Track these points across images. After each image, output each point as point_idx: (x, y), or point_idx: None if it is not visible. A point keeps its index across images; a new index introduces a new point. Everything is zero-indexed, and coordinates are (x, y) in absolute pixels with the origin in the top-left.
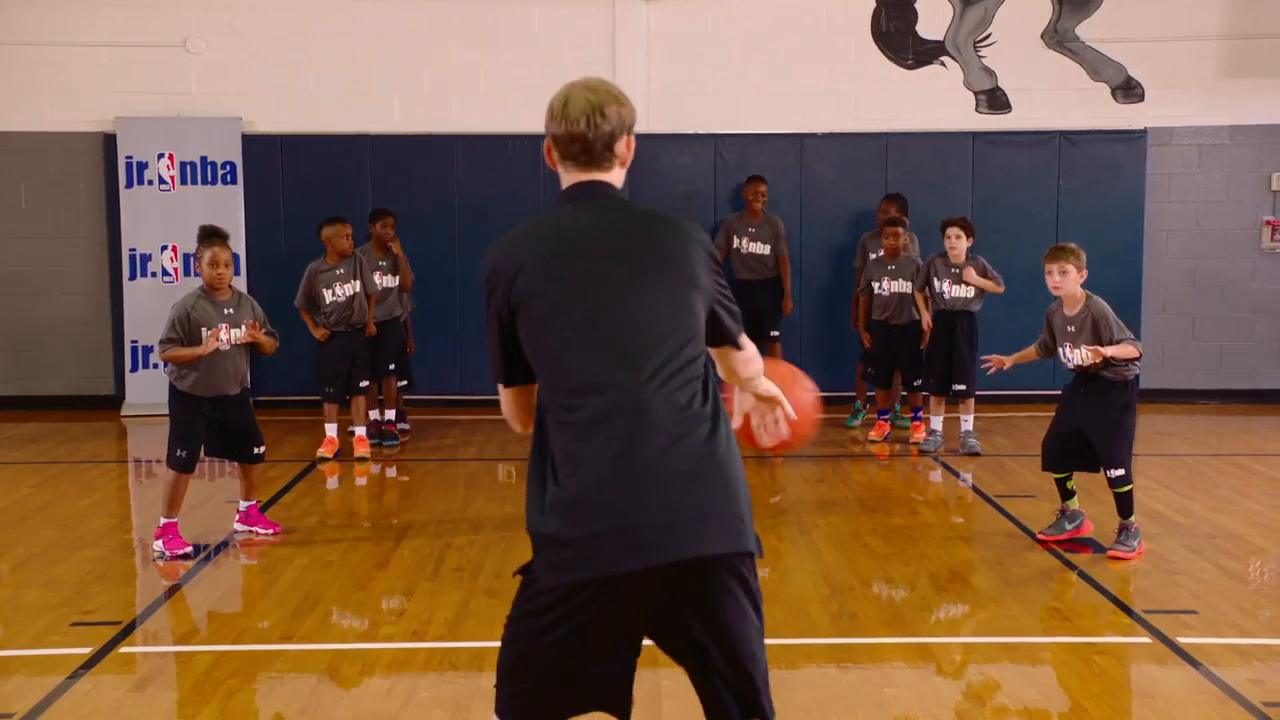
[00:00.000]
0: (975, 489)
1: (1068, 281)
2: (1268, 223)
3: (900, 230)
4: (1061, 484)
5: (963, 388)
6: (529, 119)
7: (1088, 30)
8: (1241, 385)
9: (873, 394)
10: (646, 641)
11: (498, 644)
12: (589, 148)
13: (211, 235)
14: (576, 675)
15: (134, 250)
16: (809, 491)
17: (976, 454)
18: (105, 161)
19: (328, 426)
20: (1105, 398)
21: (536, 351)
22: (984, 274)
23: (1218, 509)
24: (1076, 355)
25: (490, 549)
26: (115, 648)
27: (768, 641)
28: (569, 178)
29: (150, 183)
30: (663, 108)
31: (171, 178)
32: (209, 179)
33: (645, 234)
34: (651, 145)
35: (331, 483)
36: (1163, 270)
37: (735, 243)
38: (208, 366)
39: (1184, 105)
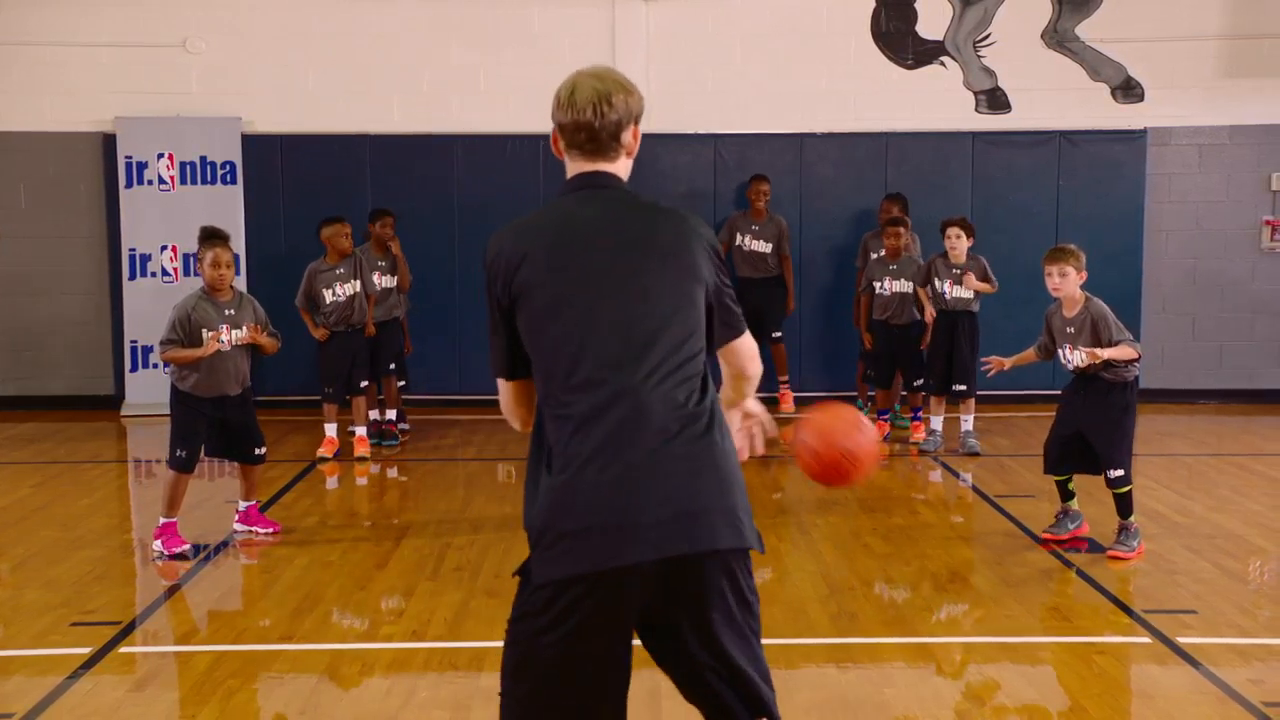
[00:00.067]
0: (975, 489)
1: (1067, 283)
2: (1268, 223)
3: (902, 230)
4: (1062, 485)
5: (963, 388)
6: (529, 119)
7: (1088, 30)
8: (1241, 385)
9: (873, 394)
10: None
11: (498, 644)
12: (595, 136)
13: (213, 236)
14: (578, 676)
15: (134, 250)
16: (809, 491)
17: (976, 454)
18: (105, 161)
19: (327, 426)
20: (1105, 399)
21: (535, 343)
22: (984, 276)
23: (1218, 509)
24: (1076, 357)
25: (490, 549)
26: (115, 648)
27: (767, 641)
28: (574, 167)
29: (150, 183)
30: (663, 108)
31: (171, 178)
32: (209, 179)
33: (648, 227)
34: (651, 145)
35: (331, 483)
36: (1162, 270)
37: (738, 240)
38: (209, 367)
39: (1184, 105)
